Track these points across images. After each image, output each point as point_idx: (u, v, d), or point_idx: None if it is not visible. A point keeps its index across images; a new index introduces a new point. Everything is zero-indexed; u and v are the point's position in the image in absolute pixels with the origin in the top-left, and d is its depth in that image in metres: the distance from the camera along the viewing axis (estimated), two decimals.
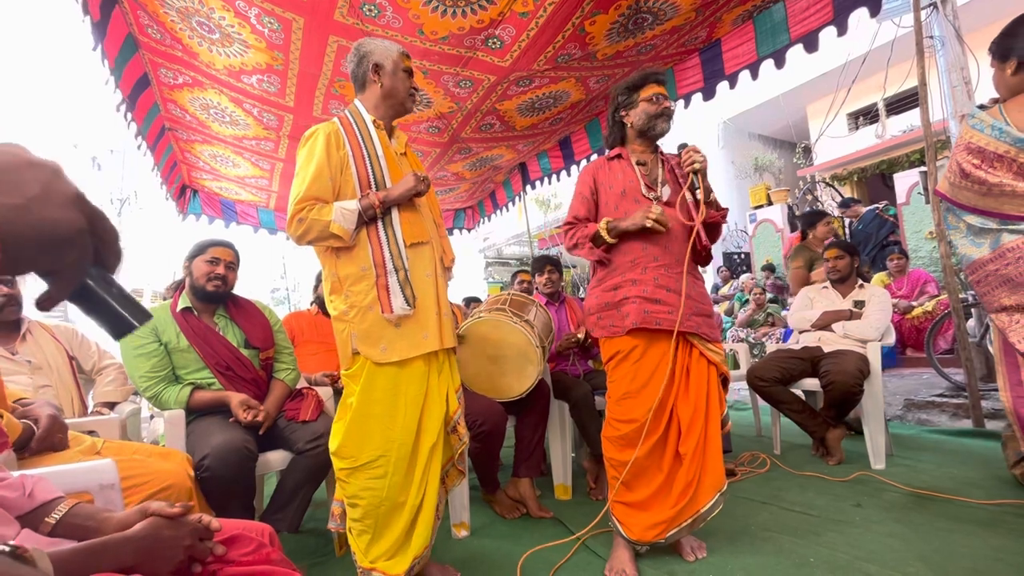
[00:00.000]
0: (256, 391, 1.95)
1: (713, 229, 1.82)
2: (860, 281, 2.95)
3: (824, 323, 2.90)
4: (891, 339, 2.78)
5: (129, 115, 2.76)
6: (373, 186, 1.55)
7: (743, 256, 10.38)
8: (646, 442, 1.72)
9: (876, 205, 7.13)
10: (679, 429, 1.73)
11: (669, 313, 1.71)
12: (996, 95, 1.59)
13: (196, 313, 1.95)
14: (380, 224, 1.53)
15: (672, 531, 1.67)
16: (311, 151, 1.54)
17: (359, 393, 1.51)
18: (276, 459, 1.88)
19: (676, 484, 1.70)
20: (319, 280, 2.85)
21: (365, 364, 1.52)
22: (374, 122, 1.61)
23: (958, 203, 1.38)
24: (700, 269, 1.85)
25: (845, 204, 7.19)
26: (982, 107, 1.39)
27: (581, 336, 2.67)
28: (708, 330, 1.76)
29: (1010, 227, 1.28)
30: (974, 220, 1.35)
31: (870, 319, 2.74)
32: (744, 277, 8.19)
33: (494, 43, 2.41)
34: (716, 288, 8.71)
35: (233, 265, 2.02)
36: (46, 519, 0.85)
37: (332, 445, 1.54)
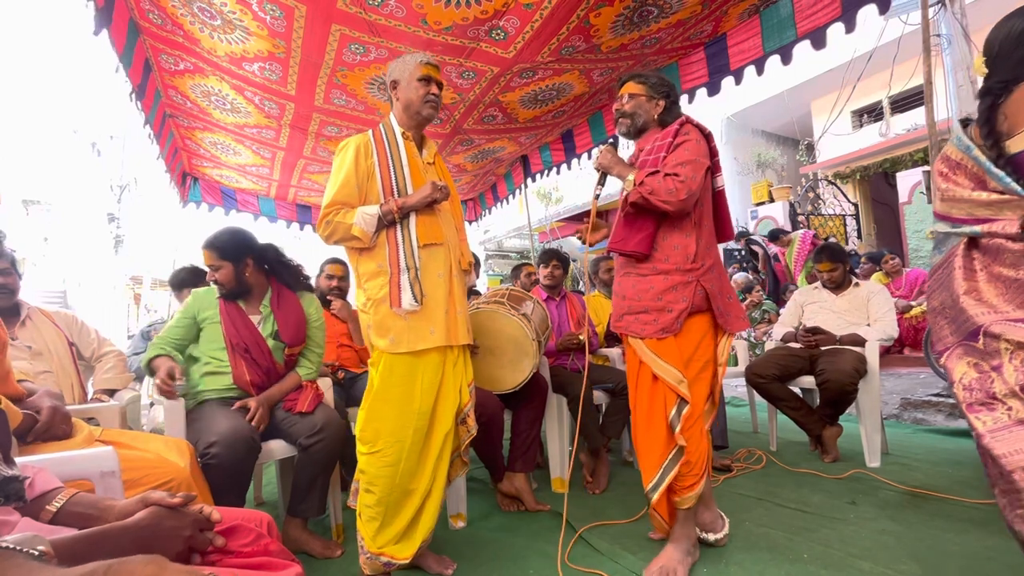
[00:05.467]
0: (264, 378, 1.96)
1: (644, 207, 1.67)
2: (855, 280, 2.97)
3: (786, 340, 3.05)
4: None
5: (139, 103, 2.74)
6: (395, 193, 1.68)
7: (744, 252, 10.34)
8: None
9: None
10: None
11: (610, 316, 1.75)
12: None
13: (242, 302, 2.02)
14: (398, 227, 1.66)
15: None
16: (342, 160, 1.70)
17: (378, 378, 1.63)
18: (276, 448, 1.90)
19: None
20: (317, 273, 2.87)
21: (383, 352, 1.63)
22: (403, 134, 1.75)
23: (935, 213, 1.45)
24: (658, 262, 1.71)
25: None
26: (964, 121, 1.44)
27: (583, 338, 2.66)
28: (638, 327, 1.72)
29: (956, 230, 1.34)
30: (941, 227, 1.41)
31: (885, 318, 2.76)
32: (738, 276, 8.10)
33: (498, 34, 2.39)
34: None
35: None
36: (47, 507, 0.85)
37: (356, 429, 1.64)
